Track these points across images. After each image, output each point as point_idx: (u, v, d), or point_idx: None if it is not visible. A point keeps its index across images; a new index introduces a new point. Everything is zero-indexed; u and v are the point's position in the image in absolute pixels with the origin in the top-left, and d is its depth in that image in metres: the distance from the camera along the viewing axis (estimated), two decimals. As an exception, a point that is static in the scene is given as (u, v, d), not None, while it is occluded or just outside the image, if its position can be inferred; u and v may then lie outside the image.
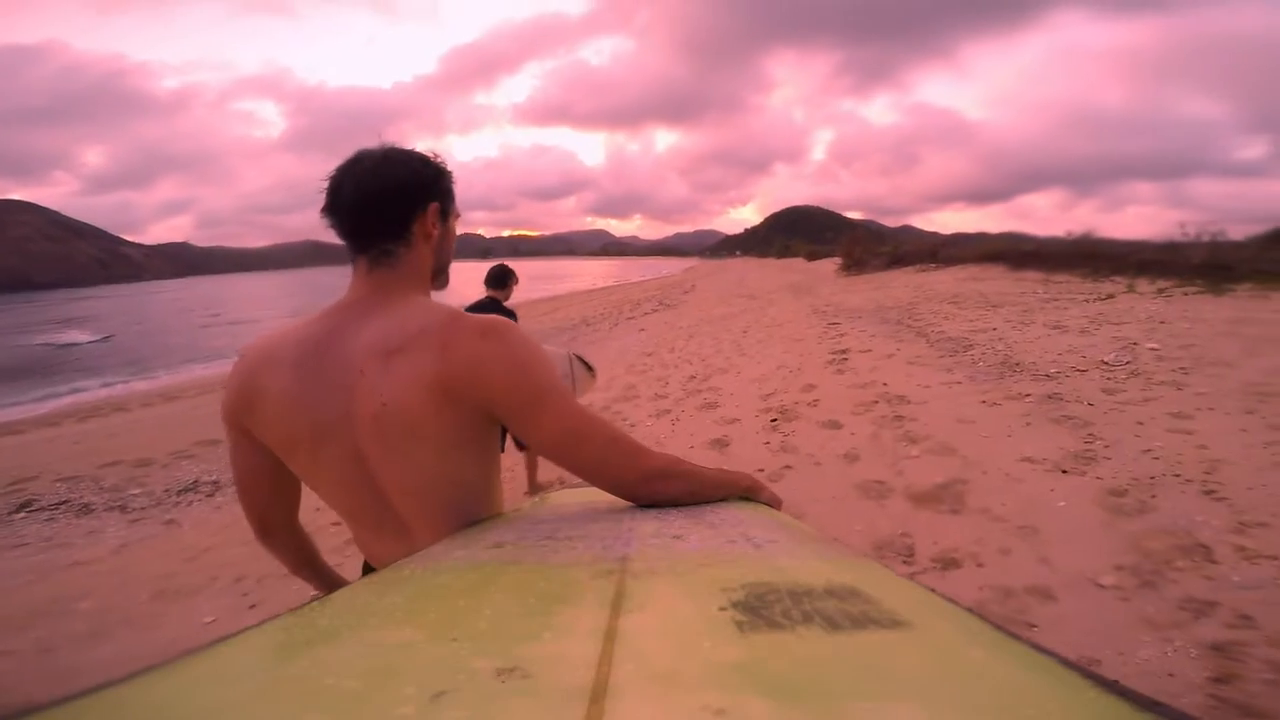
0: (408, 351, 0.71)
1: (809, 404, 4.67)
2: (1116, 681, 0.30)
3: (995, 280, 11.72)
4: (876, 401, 4.45)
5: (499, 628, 0.38)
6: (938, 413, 4.03)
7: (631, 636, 0.35)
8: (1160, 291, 8.16)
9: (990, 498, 2.84)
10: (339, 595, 0.50)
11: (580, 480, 0.81)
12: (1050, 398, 4.02)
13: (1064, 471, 3.03)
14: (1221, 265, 9.87)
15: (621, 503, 0.78)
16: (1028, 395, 4.11)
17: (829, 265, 25.63)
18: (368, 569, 0.90)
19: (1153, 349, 4.93)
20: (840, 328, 8.17)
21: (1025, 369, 4.76)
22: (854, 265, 20.30)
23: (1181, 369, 4.35)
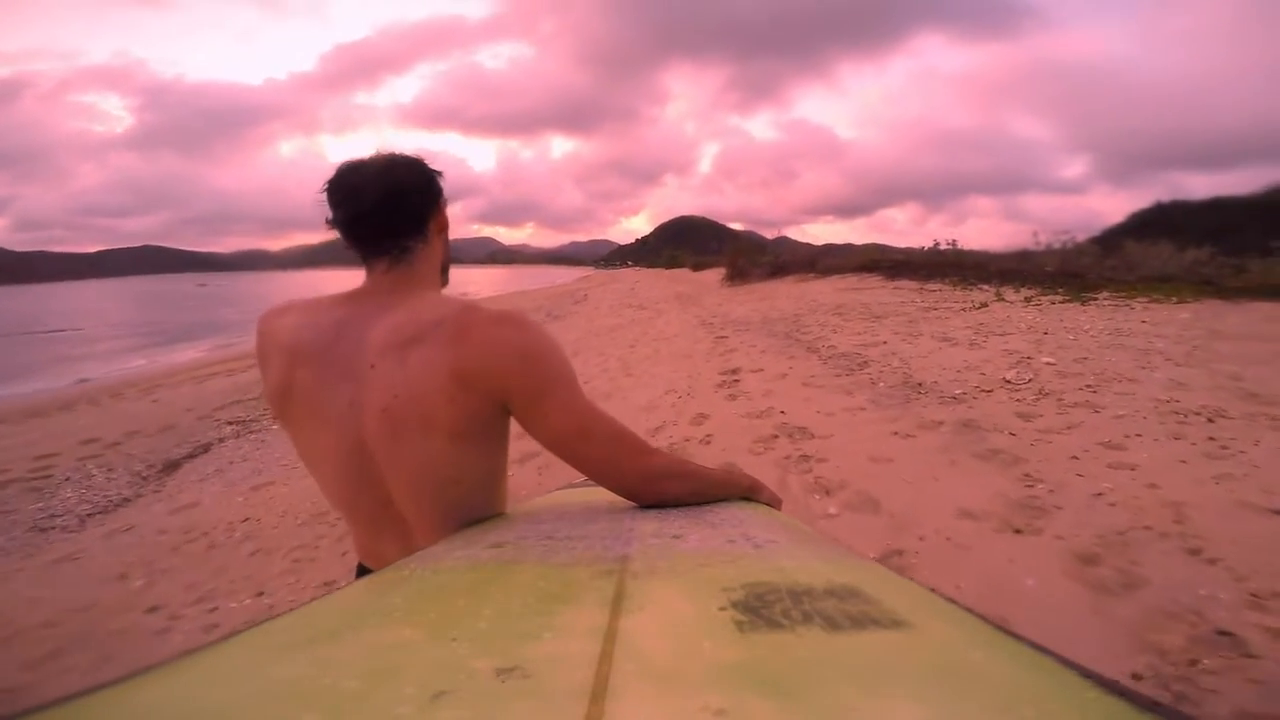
0: (424, 342, 0.71)
1: (702, 440, 3.93)
2: (1117, 681, 0.30)
3: (874, 290, 11.84)
4: (776, 435, 3.79)
5: (499, 628, 0.38)
6: (848, 449, 3.42)
7: (631, 636, 0.35)
8: (1028, 300, 8.36)
9: (939, 576, 2.19)
10: (339, 595, 0.50)
11: (580, 480, 0.95)
12: (966, 426, 3.54)
13: (1016, 531, 2.46)
14: (1073, 274, 10.53)
15: (622, 502, 0.78)
16: (941, 423, 3.61)
17: (714, 275, 25.77)
18: (362, 570, 0.89)
19: (1049, 363, 4.68)
20: (729, 341, 7.63)
21: (929, 390, 4.32)
22: (738, 275, 20.38)
23: (1088, 386, 4.06)
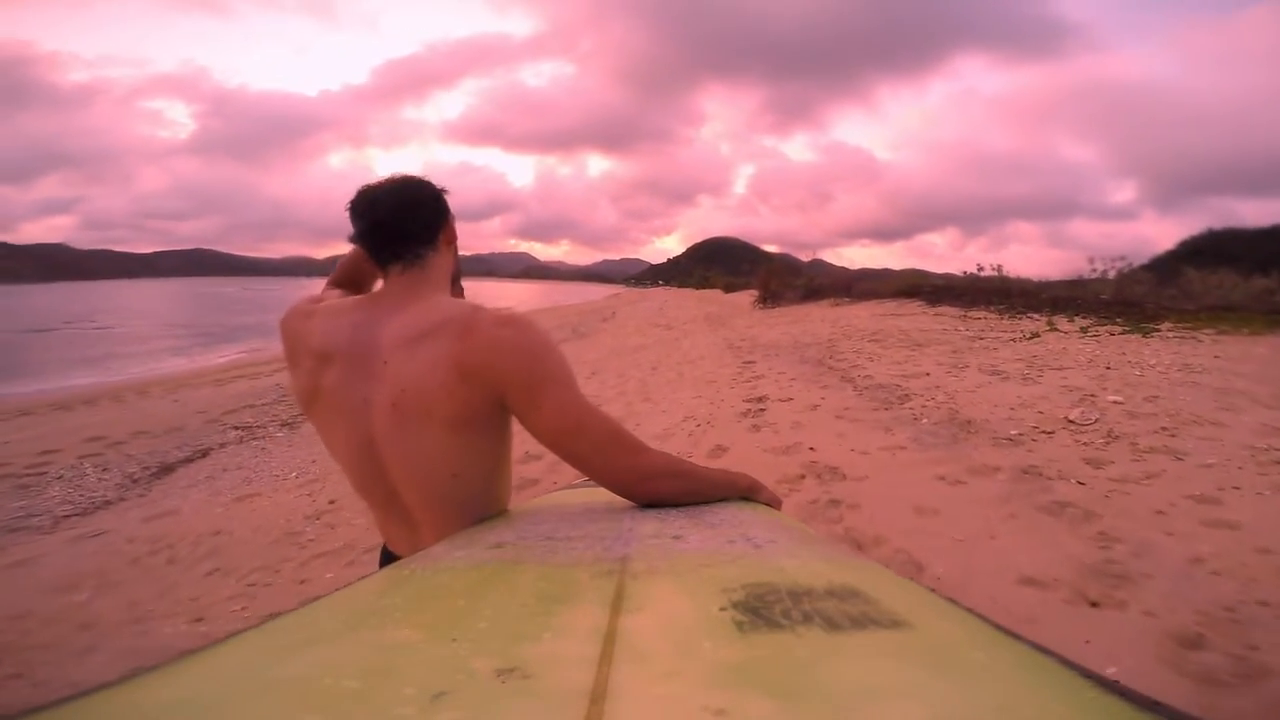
0: (432, 337, 0.75)
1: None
2: (1116, 681, 0.30)
3: (913, 316, 11.25)
4: (803, 476, 3.35)
5: (499, 628, 0.38)
6: (885, 495, 2.97)
7: (631, 636, 0.35)
8: (1084, 331, 7.74)
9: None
10: (339, 595, 0.50)
11: (580, 480, 0.97)
12: (1026, 473, 3.05)
13: (1093, 604, 2.02)
14: (1131, 303, 9.83)
15: (621, 503, 0.79)
16: (996, 469, 3.13)
17: (745, 297, 25.26)
18: (385, 552, 0.94)
19: (1116, 402, 4.15)
20: (756, 367, 7.19)
21: (979, 429, 3.82)
22: (770, 297, 19.86)
23: (1164, 429, 3.53)
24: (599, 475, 0.78)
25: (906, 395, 4.86)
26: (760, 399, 5.37)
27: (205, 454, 5.78)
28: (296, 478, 4.71)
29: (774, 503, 0.88)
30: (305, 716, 0.27)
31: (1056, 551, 2.36)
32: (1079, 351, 6.22)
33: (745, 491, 0.85)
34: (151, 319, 34.06)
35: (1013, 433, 3.67)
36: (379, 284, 0.88)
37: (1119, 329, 7.64)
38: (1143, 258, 12.15)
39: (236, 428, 6.70)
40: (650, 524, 0.67)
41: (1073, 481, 2.93)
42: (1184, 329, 7.18)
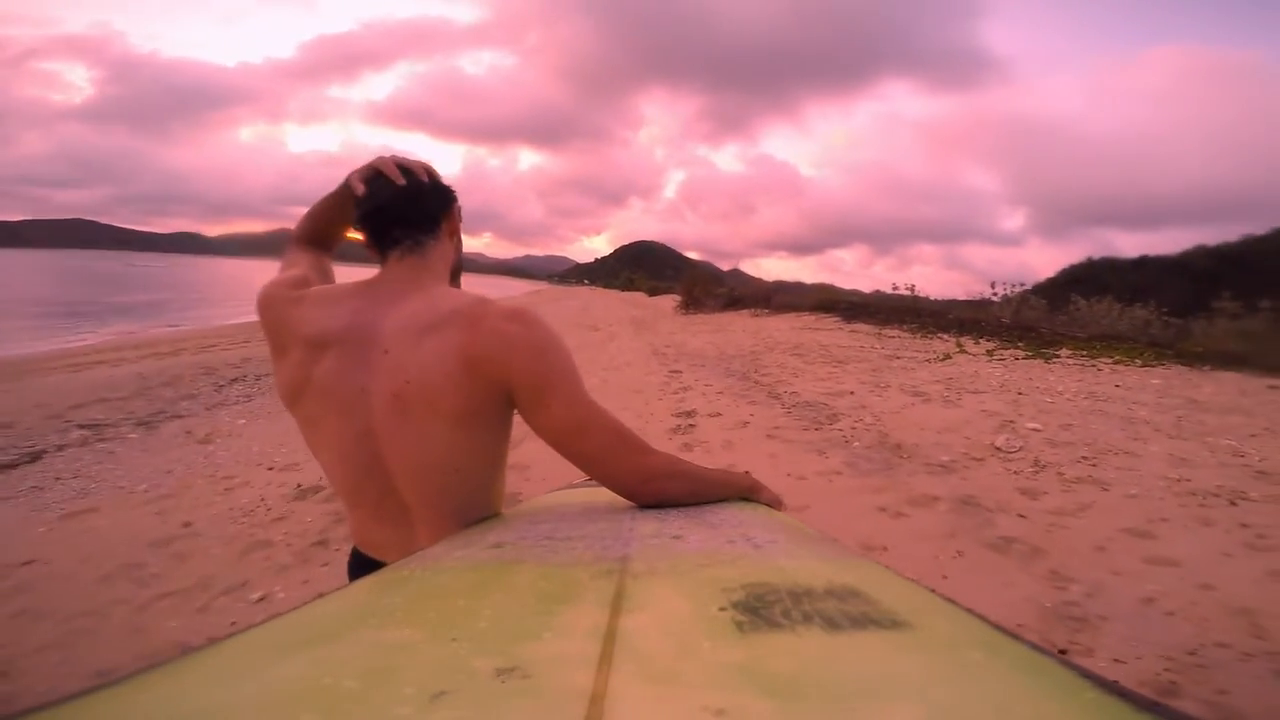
0: (439, 329, 0.73)
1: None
2: (1116, 682, 0.30)
3: (831, 331, 11.48)
4: (738, 502, 3.11)
5: (499, 628, 0.38)
6: (828, 527, 2.72)
7: (631, 636, 0.35)
8: (990, 354, 8.06)
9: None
10: (339, 595, 0.50)
11: (580, 480, 0.95)
12: (966, 504, 2.94)
13: (1061, 651, 1.87)
14: (1028, 327, 10.45)
15: (621, 502, 0.78)
16: (936, 499, 3.01)
17: (668, 301, 25.32)
18: (356, 555, 0.89)
19: (1035, 429, 4.20)
20: (683, 377, 6.98)
21: (911, 453, 3.73)
22: (693, 304, 19.95)
23: (1084, 459, 3.56)
24: (603, 475, 0.76)
25: (835, 415, 4.76)
26: (689, 413, 5.13)
27: (36, 458, 4.83)
28: (146, 490, 3.98)
29: (774, 503, 0.87)
30: (305, 716, 0.27)
31: (1013, 592, 2.22)
32: (990, 375, 6.41)
33: (745, 491, 0.84)
34: (6, 292, 29.80)
35: (944, 459, 3.60)
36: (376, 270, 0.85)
37: (1022, 353, 8.02)
38: (1028, 283, 13.08)
39: (82, 426, 5.71)
40: (650, 524, 0.67)
41: (1013, 514, 2.84)
42: (1082, 357, 7.61)
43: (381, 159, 0.85)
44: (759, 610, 0.37)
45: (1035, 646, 0.35)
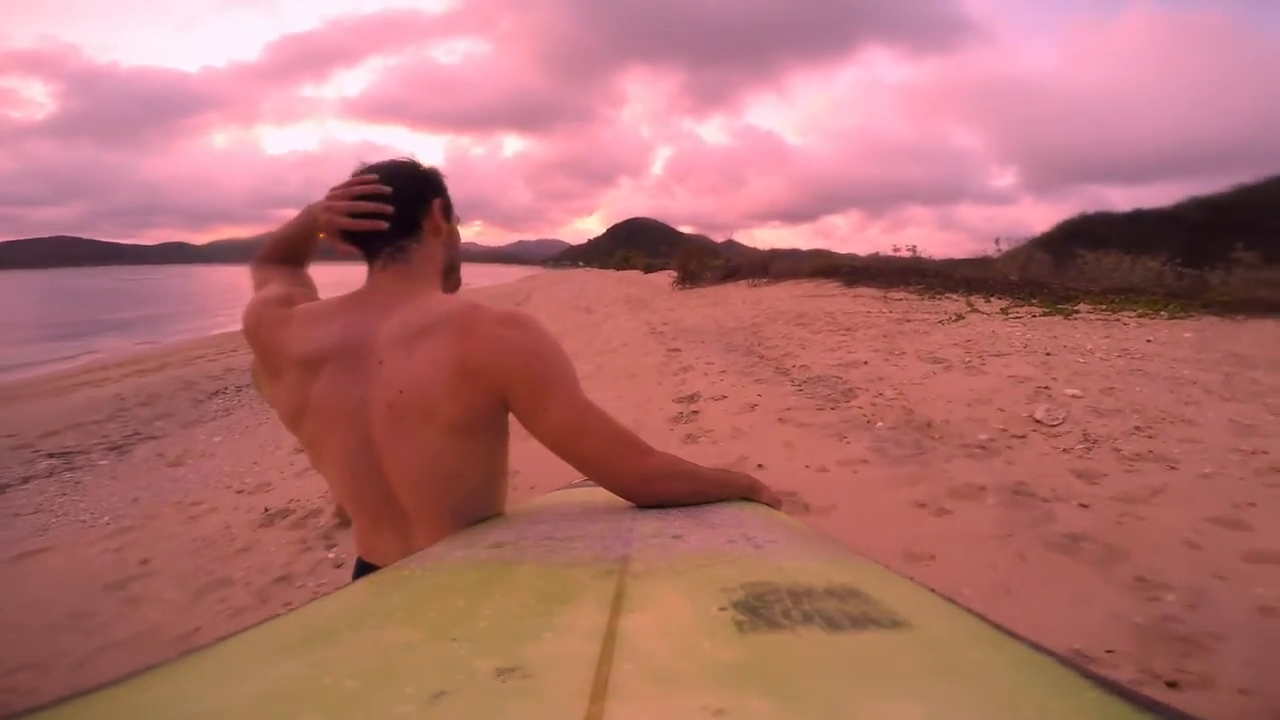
0: (431, 336, 0.73)
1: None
2: (1116, 681, 0.29)
3: (834, 298, 11.05)
4: (756, 505, 2.75)
5: (499, 628, 0.38)
6: (862, 532, 2.39)
7: (631, 636, 0.35)
8: (1004, 312, 7.66)
9: None
10: (339, 595, 0.50)
11: (580, 480, 0.92)
12: (1018, 494, 2.58)
13: (1170, 684, 1.55)
14: (1038, 283, 10.03)
15: (621, 502, 0.78)
16: (982, 489, 2.64)
17: (664, 277, 24.76)
18: (360, 564, 0.89)
19: (1074, 396, 3.82)
20: (682, 356, 6.59)
21: (943, 433, 3.36)
22: (689, 278, 19.44)
23: (1138, 430, 3.19)
24: (603, 477, 0.76)
25: (851, 390, 4.38)
26: (691, 397, 4.76)
27: (-2, 492, 4.50)
28: (107, 524, 3.64)
29: (774, 503, 0.85)
30: (305, 716, 0.27)
31: (1095, 608, 1.86)
32: (1010, 335, 6.02)
33: (745, 491, 0.83)
34: (3, 315, 29.19)
35: (982, 437, 3.23)
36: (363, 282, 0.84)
37: (1038, 310, 7.62)
38: (1022, 240, 12.65)
39: (52, 455, 5.36)
40: (650, 524, 0.66)
41: (1074, 504, 2.47)
42: (1102, 311, 7.21)
43: (340, 193, 0.82)
44: (759, 610, 0.37)
45: (1036, 646, 0.34)
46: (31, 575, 3.08)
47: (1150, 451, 2.91)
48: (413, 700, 0.27)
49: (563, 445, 0.74)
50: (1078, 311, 7.28)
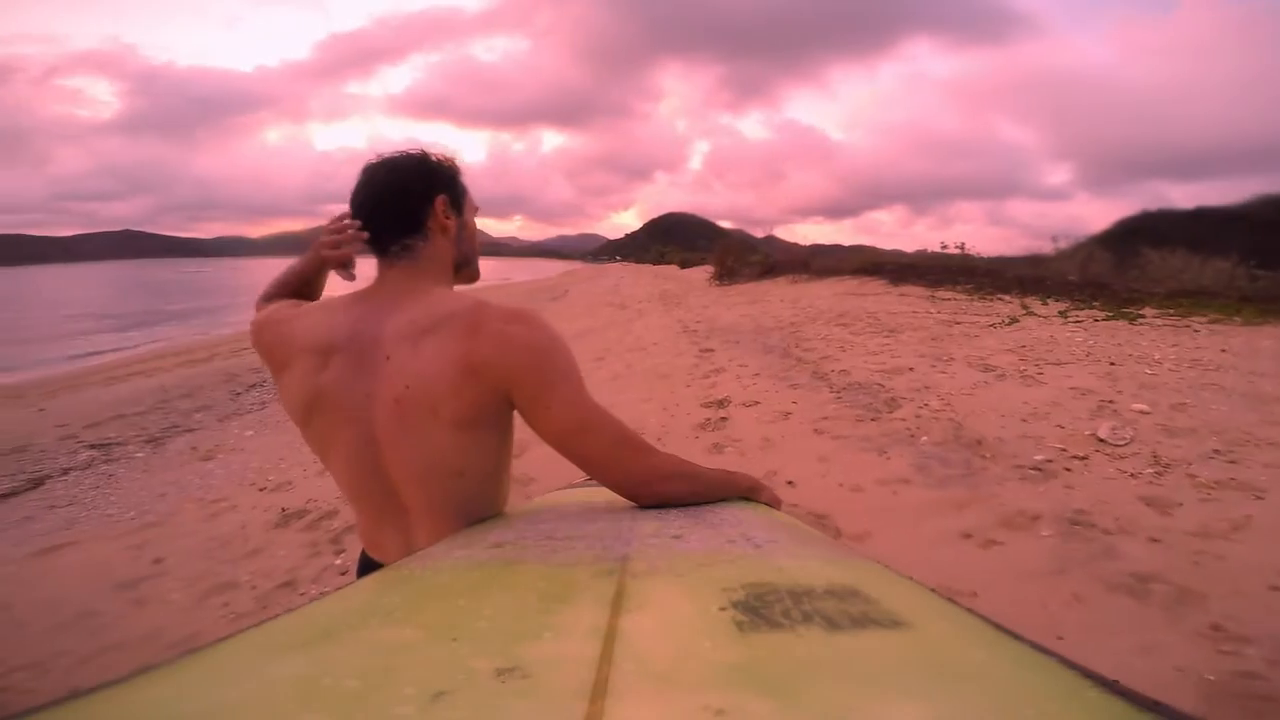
0: (437, 332, 0.73)
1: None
2: (1116, 681, 0.30)
3: (878, 296, 10.64)
4: (783, 526, 2.54)
5: (499, 628, 0.38)
6: (897, 561, 2.18)
7: (631, 636, 0.35)
8: (1063, 315, 7.20)
9: None
10: (339, 595, 0.50)
11: (581, 480, 0.93)
12: (1076, 524, 2.31)
13: None
14: (1099, 284, 9.42)
15: (621, 502, 0.78)
16: (1037, 519, 2.38)
17: (701, 273, 24.44)
18: (364, 559, 0.90)
19: (1142, 412, 3.48)
20: (714, 357, 6.38)
21: (994, 451, 3.08)
22: (726, 274, 19.09)
23: (1217, 453, 2.86)
24: (606, 476, 0.76)
25: (893, 400, 4.11)
26: (721, 402, 4.55)
27: (39, 483, 4.61)
28: (132, 519, 3.66)
29: (774, 503, 0.86)
30: (305, 716, 0.27)
31: (1161, 660, 1.62)
32: (1070, 341, 5.61)
33: (746, 491, 0.84)
34: (80, 306, 30.73)
35: (1037, 458, 2.94)
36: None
37: (1100, 314, 7.13)
38: (1079, 237, 11.94)
39: (93, 446, 5.50)
40: (650, 524, 0.66)
41: (1142, 538, 2.20)
42: (1170, 316, 6.69)
43: (330, 229, 0.86)
44: (759, 610, 0.37)
45: (1037, 646, 0.34)
46: (49, 571, 3.10)
47: (1232, 479, 2.59)
48: (413, 700, 0.27)
49: (565, 443, 0.74)
50: (1142, 316, 6.77)
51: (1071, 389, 4.01)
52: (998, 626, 0.38)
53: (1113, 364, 4.62)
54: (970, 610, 0.41)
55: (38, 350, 14.65)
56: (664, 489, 0.75)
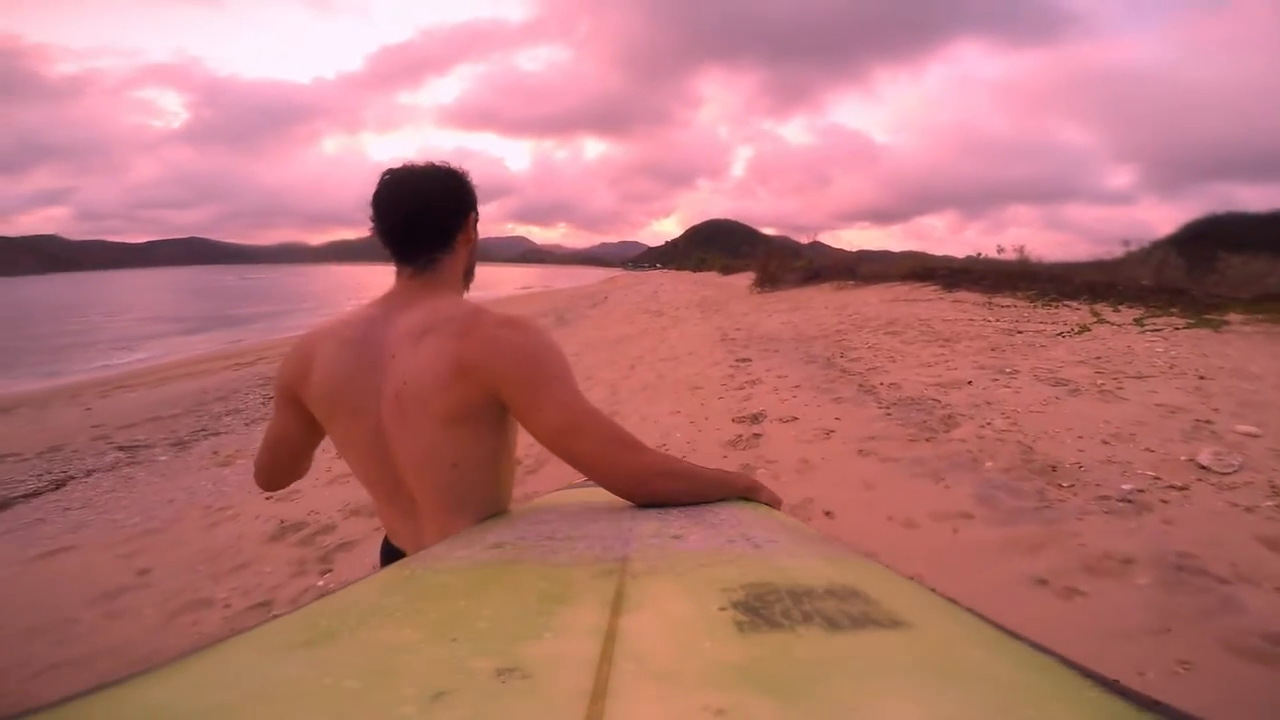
0: (435, 333, 0.77)
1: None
2: (1116, 681, 0.29)
3: (930, 303, 10.03)
4: (819, 562, 2.19)
5: (499, 628, 0.38)
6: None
7: (631, 636, 0.35)
8: (1139, 323, 6.55)
9: None
10: (339, 595, 0.50)
11: (580, 480, 0.94)
12: (1181, 569, 1.88)
13: None
14: (1176, 289, 8.64)
15: (621, 502, 0.78)
16: (1129, 561, 1.96)
17: (743, 280, 23.92)
18: (386, 544, 0.93)
19: (1249, 433, 2.97)
20: (751, 368, 6.00)
21: (1073, 480, 2.64)
22: (769, 281, 18.55)
23: (1354, 488, 2.37)
24: (599, 475, 0.77)
25: (951, 417, 3.67)
26: (755, 417, 4.19)
27: (61, 485, 4.60)
28: (135, 525, 3.55)
29: (774, 503, 0.86)
30: (305, 717, 0.27)
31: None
32: (1149, 352, 5.04)
33: (744, 491, 0.84)
34: (149, 310, 32.31)
35: (1126, 487, 2.49)
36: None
37: (1180, 321, 6.46)
38: (1144, 242, 11.18)
39: (121, 447, 5.51)
40: (650, 524, 0.66)
41: (1268, 587, 1.77)
42: (1260, 323, 5.99)
43: None
44: (759, 610, 0.37)
45: (1037, 645, 0.34)
46: (40, 576, 3.00)
47: (1381, 522, 2.10)
48: (413, 700, 0.27)
49: (558, 443, 0.75)
50: (1228, 323, 6.08)
51: (1158, 405, 3.51)
52: (998, 626, 0.37)
53: (1202, 377, 4.06)
54: (970, 610, 0.40)
55: (102, 355, 15.29)
56: (658, 487, 0.75)
